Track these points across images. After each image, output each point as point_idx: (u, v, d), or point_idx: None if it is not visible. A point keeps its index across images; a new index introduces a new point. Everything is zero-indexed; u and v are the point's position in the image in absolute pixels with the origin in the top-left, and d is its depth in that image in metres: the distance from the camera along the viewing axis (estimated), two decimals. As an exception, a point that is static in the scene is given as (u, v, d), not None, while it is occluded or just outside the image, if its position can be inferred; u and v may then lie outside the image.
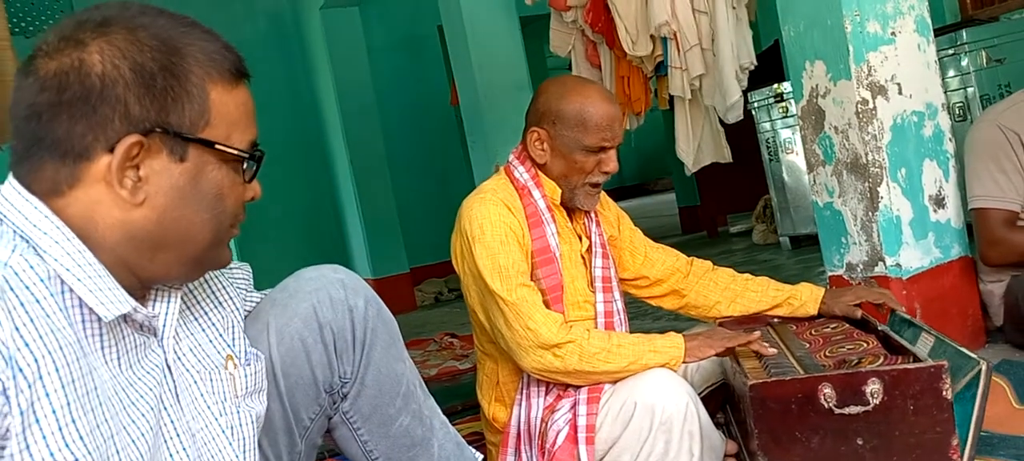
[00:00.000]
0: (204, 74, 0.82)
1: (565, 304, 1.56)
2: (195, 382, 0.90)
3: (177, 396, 0.88)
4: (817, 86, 2.12)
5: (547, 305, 1.50)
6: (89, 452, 0.73)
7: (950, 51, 3.09)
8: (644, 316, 3.31)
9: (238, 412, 0.94)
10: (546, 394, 1.52)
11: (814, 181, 2.21)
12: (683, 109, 3.17)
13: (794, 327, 1.68)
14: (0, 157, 1.16)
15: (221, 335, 0.96)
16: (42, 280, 0.75)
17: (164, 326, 0.87)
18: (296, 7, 5.87)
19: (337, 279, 1.07)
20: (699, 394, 1.50)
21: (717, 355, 1.47)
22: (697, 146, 3.20)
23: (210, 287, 0.98)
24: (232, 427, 0.93)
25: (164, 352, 0.87)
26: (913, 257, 2.06)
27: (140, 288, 0.85)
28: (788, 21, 2.17)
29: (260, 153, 0.88)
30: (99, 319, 0.79)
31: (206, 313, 0.96)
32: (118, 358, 0.81)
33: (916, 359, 1.29)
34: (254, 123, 0.88)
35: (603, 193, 1.72)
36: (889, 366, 1.26)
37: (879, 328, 1.53)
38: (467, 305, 1.63)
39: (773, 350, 1.46)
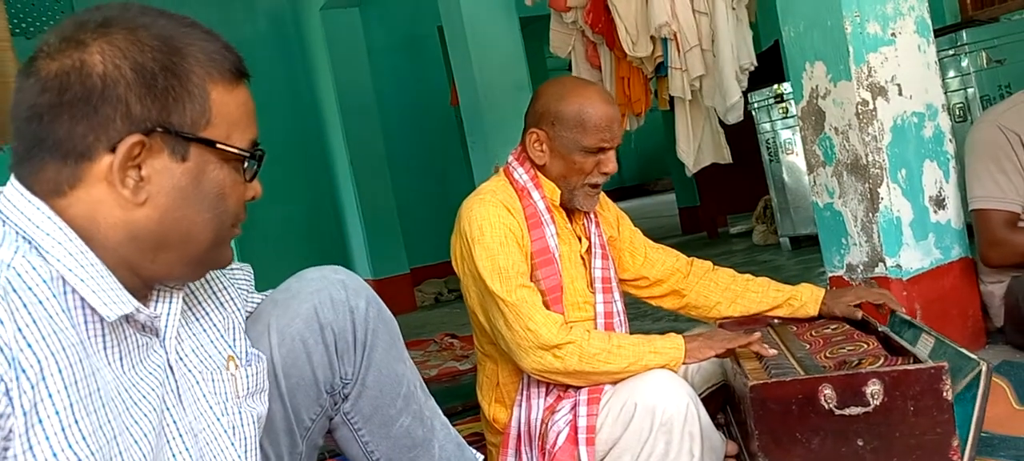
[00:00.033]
0: (205, 74, 0.83)
1: (565, 305, 1.56)
2: (197, 382, 0.91)
3: (179, 396, 0.88)
4: (817, 87, 2.13)
5: (547, 306, 1.50)
6: (92, 452, 0.73)
7: (950, 52, 3.09)
8: (644, 317, 3.31)
9: (240, 412, 0.94)
10: (546, 395, 1.52)
11: (814, 182, 2.21)
12: (683, 110, 3.18)
13: (794, 328, 1.68)
14: (1, 158, 1.16)
15: (222, 336, 0.96)
16: (45, 281, 0.75)
17: (166, 326, 0.87)
18: (296, 7, 5.87)
19: (338, 280, 1.07)
20: (699, 395, 1.50)
21: (717, 356, 1.47)
22: (697, 147, 3.21)
23: (211, 287, 0.99)
24: (234, 427, 0.93)
25: (166, 352, 0.87)
26: (913, 258, 2.06)
27: (142, 288, 0.85)
28: (788, 22, 2.17)
29: (261, 152, 0.88)
30: (102, 319, 0.79)
31: (208, 314, 0.96)
32: (120, 358, 0.81)
33: (916, 360, 1.29)
34: (254, 123, 0.89)
35: (603, 194, 1.72)
36: (889, 367, 1.26)
37: (879, 329, 1.53)
38: (467, 306, 1.63)
39: (773, 351, 1.46)
